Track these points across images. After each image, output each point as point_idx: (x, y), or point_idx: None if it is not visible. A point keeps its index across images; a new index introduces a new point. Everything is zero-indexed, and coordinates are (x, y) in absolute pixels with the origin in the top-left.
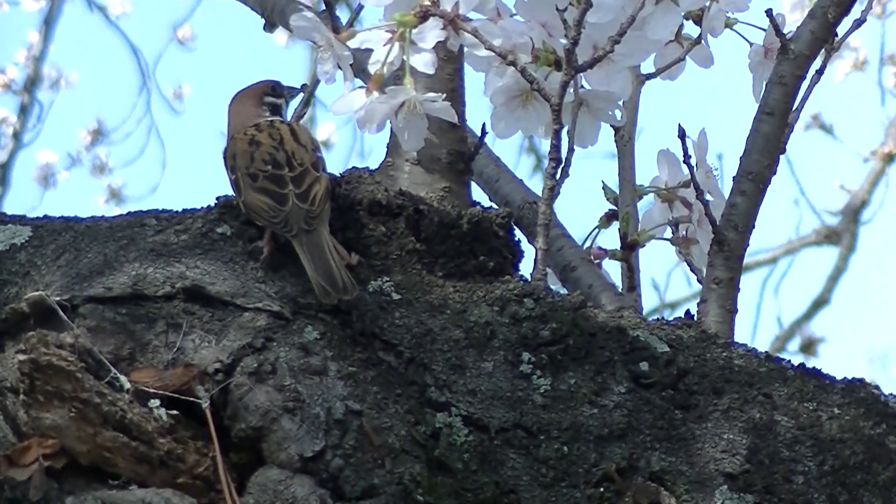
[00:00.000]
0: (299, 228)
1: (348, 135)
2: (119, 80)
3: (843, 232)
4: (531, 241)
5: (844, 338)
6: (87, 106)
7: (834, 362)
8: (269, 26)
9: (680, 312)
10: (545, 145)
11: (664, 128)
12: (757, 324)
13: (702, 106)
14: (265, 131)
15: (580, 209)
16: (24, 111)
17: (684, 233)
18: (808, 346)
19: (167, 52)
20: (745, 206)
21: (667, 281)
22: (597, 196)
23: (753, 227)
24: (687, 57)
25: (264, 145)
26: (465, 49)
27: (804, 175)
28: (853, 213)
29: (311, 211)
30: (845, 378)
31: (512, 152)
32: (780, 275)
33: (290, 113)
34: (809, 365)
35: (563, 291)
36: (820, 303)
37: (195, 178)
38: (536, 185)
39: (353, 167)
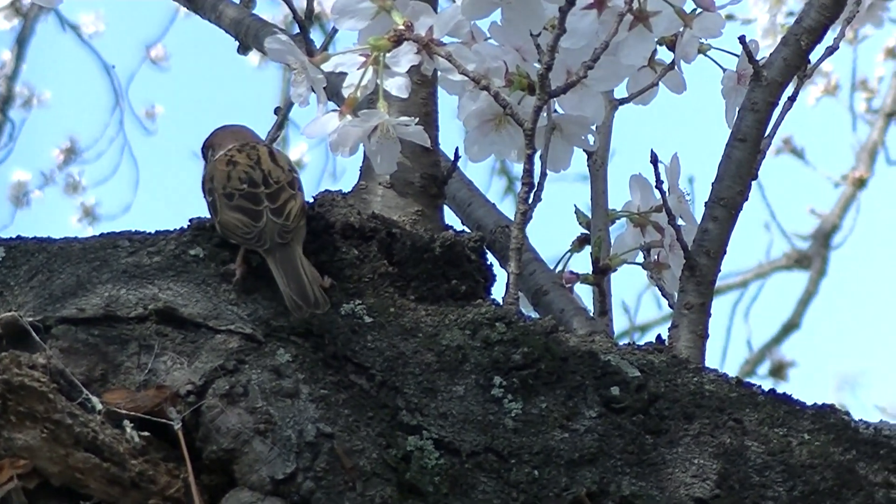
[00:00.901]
0: (273, 243)
1: (320, 155)
2: (92, 99)
3: (813, 256)
4: (503, 265)
5: (815, 362)
6: (60, 125)
7: (804, 387)
8: (243, 49)
9: (650, 336)
10: (517, 168)
11: (637, 152)
12: (727, 347)
13: (674, 131)
14: (244, 152)
15: (552, 232)
16: None
17: (656, 257)
18: (779, 370)
19: (140, 72)
20: (716, 231)
21: (637, 304)
22: (569, 219)
23: (725, 252)
24: (660, 82)
25: (241, 164)
26: (439, 73)
27: (775, 199)
28: (824, 238)
29: (285, 226)
30: (815, 404)
31: (484, 175)
32: (751, 299)
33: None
34: (780, 390)
35: (535, 316)
36: (790, 327)
37: (168, 198)
38: (508, 208)
39: (327, 190)
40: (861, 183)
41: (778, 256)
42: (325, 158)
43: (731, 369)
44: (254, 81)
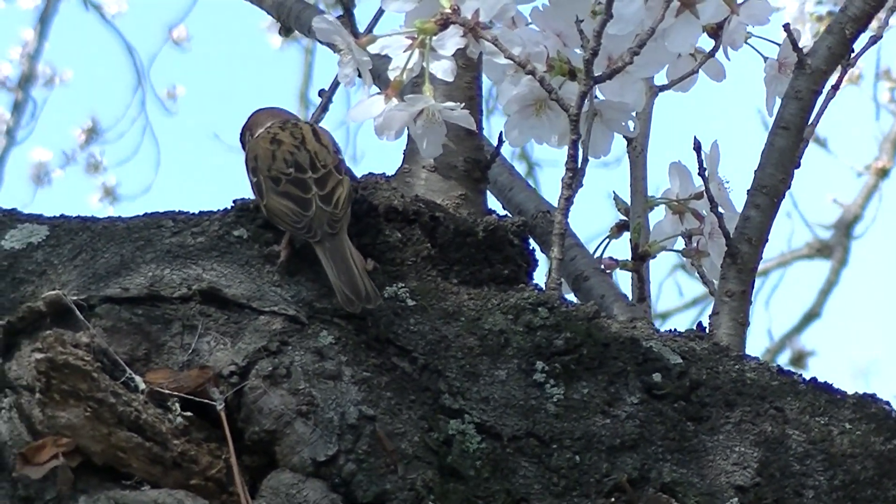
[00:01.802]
0: (323, 233)
1: (340, 138)
2: (114, 79)
3: (835, 246)
4: (544, 250)
5: (834, 351)
6: (82, 104)
7: (824, 376)
8: (285, 30)
9: (671, 323)
10: (537, 151)
11: (674, 139)
12: (747, 336)
13: (711, 116)
14: (287, 130)
15: (589, 217)
16: (17, 108)
17: (695, 245)
18: (798, 360)
19: (162, 53)
20: (758, 219)
21: (658, 292)
22: (605, 203)
23: (767, 240)
24: (699, 70)
25: (286, 144)
26: (483, 57)
27: (797, 188)
28: (846, 228)
29: (334, 214)
30: (856, 393)
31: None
32: (772, 287)
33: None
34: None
35: (576, 301)
36: (811, 316)
37: (189, 178)
38: None
39: (370, 173)
40: (883, 173)
41: (799, 246)
42: (345, 141)
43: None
44: (275, 63)
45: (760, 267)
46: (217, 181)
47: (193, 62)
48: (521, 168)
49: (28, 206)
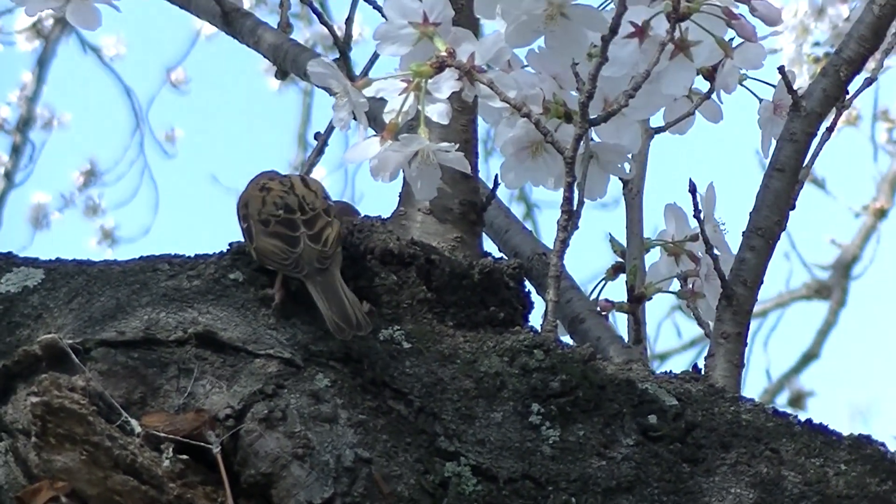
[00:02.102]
0: (311, 268)
1: (338, 180)
2: (112, 121)
3: (833, 286)
4: (540, 292)
5: (834, 392)
6: (80, 147)
7: (822, 417)
8: (281, 73)
9: (669, 364)
10: (536, 192)
11: (670, 180)
12: (746, 376)
13: (707, 158)
14: (276, 180)
15: (585, 257)
16: (16, 151)
17: (691, 286)
18: (797, 400)
19: (160, 95)
20: (754, 261)
21: (657, 332)
22: (599, 242)
23: (762, 282)
24: (696, 111)
25: (275, 190)
26: (479, 100)
27: (795, 229)
28: (844, 268)
29: (323, 252)
30: (852, 434)
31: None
32: (770, 328)
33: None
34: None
35: (572, 343)
36: (809, 357)
37: (187, 220)
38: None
39: (366, 216)
40: (882, 214)
41: (798, 286)
42: (344, 182)
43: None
44: (274, 105)
45: (759, 307)
46: (216, 223)
47: (192, 104)
48: (519, 209)
49: (27, 249)
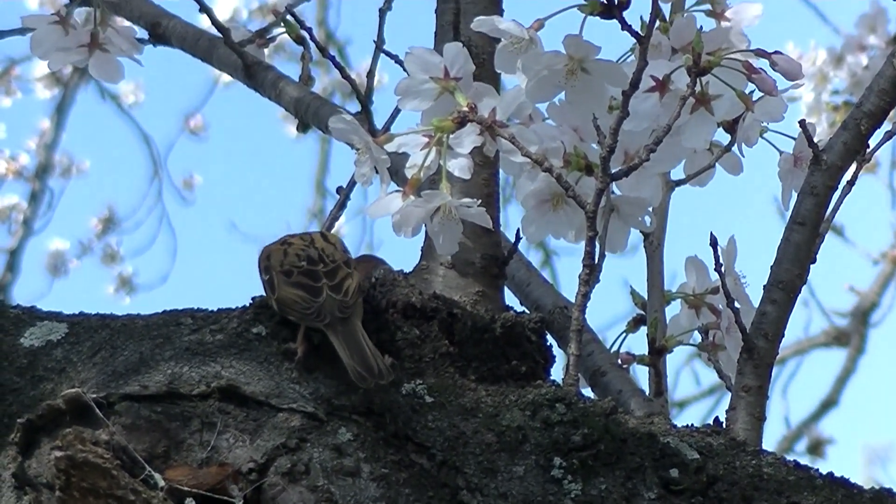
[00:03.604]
0: (333, 317)
1: (358, 226)
2: (130, 168)
3: (852, 333)
4: (561, 345)
5: (852, 439)
6: (99, 194)
7: (841, 464)
8: (303, 126)
9: (689, 412)
10: (554, 241)
11: (691, 232)
12: (765, 418)
13: (727, 209)
14: (297, 236)
15: (605, 304)
16: (34, 198)
17: (712, 339)
18: (816, 447)
19: (179, 142)
20: (775, 314)
21: (675, 380)
22: (620, 291)
23: (783, 335)
24: (716, 163)
25: (296, 245)
26: (500, 154)
27: (814, 276)
28: (862, 315)
29: (344, 302)
30: (873, 488)
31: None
32: (789, 375)
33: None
34: (818, 468)
35: (594, 396)
36: (828, 404)
37: (206, 267)
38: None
39: (388, 269)
40: None
41: (816, 333)
42: (362, 230)
43: (769, 445)
44: (292, 152)
45: (778, 355)
46: (234, 270)
47: (210, 151)
48: (538, 256)
49: (45, 297)
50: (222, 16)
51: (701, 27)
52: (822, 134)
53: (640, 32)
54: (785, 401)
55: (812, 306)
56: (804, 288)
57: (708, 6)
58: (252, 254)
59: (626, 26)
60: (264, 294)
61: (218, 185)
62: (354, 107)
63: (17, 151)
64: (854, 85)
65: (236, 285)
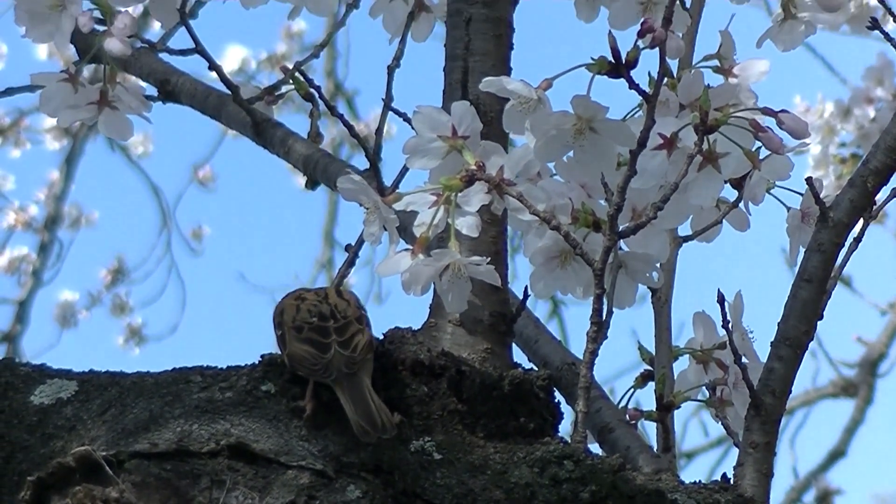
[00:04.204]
0: (339, 373)
1: (366, 277)
2: (139, 219)
3: (860, 384)
4: (570, 401)
5: (861, 490)
6: (108, 245)
7: None
8: (311, 183)
9: (698, 463)
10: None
11: (699, 287)
12: (773, 474)
13: (735, 264)
14: (312, 291)
15: (612, 354)
16: (43, 249)
17: (720, 395)
18: (824, 498)
19: (188, 193)
20: (782, 371)
21: (683, 431)
22: (627, 341)
23: (790, 392)
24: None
25: (309, 300)
26: (509, 211)
27: (822, 326)
28: (870, 366)
29: (351, 357)
30: None
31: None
32: (797, 426)
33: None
34: None
35: (601, 452)
36: (836, 455)
37: (215, 318)
38: (553, 329)
39: (396, 327)
40: None
41: (824, 384)
42: (370, 281)
43: (777, 497)
44: (301, 202)
45: (784, 411)
46: (243, 320)
47: (219, 202)
48: (547, 307)
49: (54, 348)
50: (230, 67)
51: (708, 85)
52: (829, 187)
53: (647, 91)
54: (793, 451)
55: (820, 357)
56: (813, 339)
57: (716, 62)
58: (261, 304)
59: (633, 85)
60: (277, 349)
61: (227, 236)
62: (363, 161)
63: (27, 202)
64: (861, 137)
65: (245, 335)
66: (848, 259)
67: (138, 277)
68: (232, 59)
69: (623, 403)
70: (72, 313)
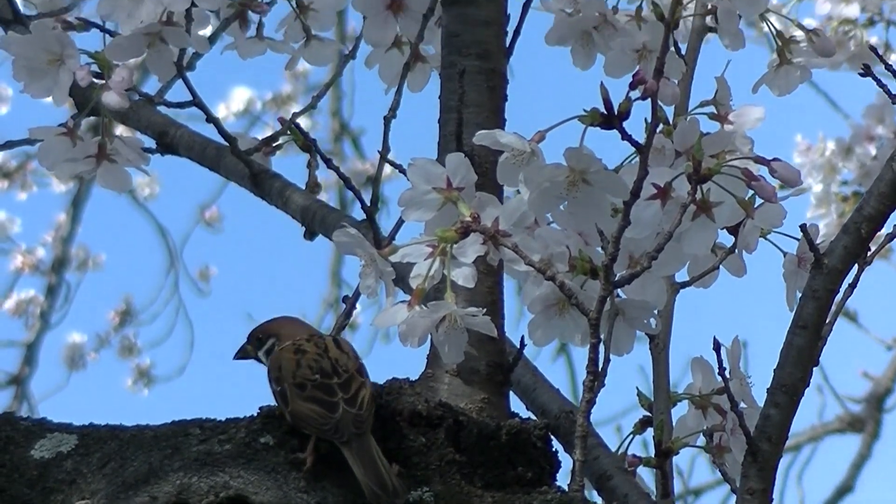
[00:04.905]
0: (350, 434)
1: (369, 315)
2: (147, 260)
3: (866, 419)
4: (567, 449)
5: None
6: (115, 287)
7: None
8: (309, 234)
9: (706, 500)
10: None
11: (697, 333)
12: None
13: (733, 310)
14: (312, 341)
15: (609, 395)
16: (51, 292)
17: (718, 441)
18: None
19: (194, 234)
20: (778, 417)
21: (691, 467)
22: (628, 391)
23: (787, 438)
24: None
25: (310, 353)
26: (505, 261)
27: (827, 362)
28: (877, 401)
29: (359, 415)
30: None
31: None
32: (804, 462)
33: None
34: None
35: (600, 500)
36: (844, 490)
37: (222, 358)
38: (559, 370)
39: (394, 378)
40: None
41: (831, 419)
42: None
43: None
44: (307, 243)
45: (792, 441)
46: (250, 362)
47: (225, 243)
48: (553, 344)
49: (62, 390)
50: (235, 108)
51: (704, 133)
52: (830, 225)
53: (640, 142)
54: (801, 488)
55: (826, 392)
56: (818, 374)
57: (711, 109)
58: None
59: (626, 136)
60: (274, 403)
61: (234, 276)
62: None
63: (34, 245)
64: (863, 176)
65: (253, 376)
66: (843, 304)
67: (146, 319)
68: (237, 100)
69: (621, 450)
70: (80, 355)
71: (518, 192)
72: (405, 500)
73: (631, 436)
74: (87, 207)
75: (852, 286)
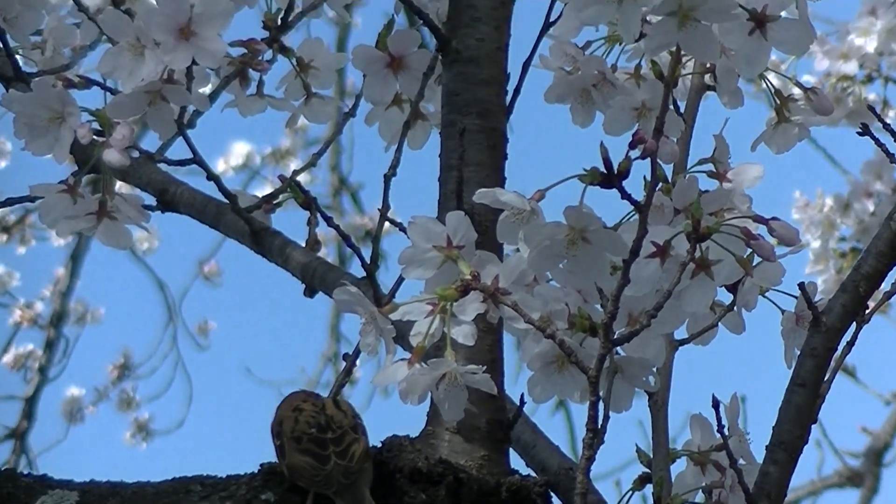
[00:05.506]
0: (339, 485)
1: (372, 369)
2: (145, 314)
3: (865, 474)
4: None
5: None
6: (114, 341)
7: None
8: (310, 291)
9: None
10: None
11: (696, 389)
12: None
13: (731, 366)
14: (310, 401)
15: (610, 457)
16: (49, 346)
17: (717, 498)
18: None
19: (193, 288)
20: (777, 475)
21: None
22: (627, 446)
23: (785, 495)
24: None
25: (307, 411)
26: (504, 319)
27: (826, 416)
28: (875, 456)
29: (349, 467)
30: None
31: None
32: None
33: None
34: None
35: None
36: None
37: (221, 412)
38: (558, 424)
39: (394, 435)
40: None
41: (829, 474)
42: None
43: None
44: (305, 299)
45: (791, 496)
46: (249, 415)
47: (224, 297)
48: (553, 400)
49: (61, 444)
50: (235, 162)
51: (703, 191)
52: (829, 281)
53: (639, 201)
54: None
55: (825, 447)
56: (817, 428)
57: (710, 166)
58: (267, 398)
59: (625, 195)
60: (273, 461)
61: (232, 331)
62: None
63: (32, 299)
64: (861, 232)
65: (252, 429)
66: (841, 362)
67: (145, 372)
68: (236, 154)
69: None
70: (79, 409)
71: (518, 249)
72: None
73: (630, 492)
74: (85, 261)
75: (850, 344)
